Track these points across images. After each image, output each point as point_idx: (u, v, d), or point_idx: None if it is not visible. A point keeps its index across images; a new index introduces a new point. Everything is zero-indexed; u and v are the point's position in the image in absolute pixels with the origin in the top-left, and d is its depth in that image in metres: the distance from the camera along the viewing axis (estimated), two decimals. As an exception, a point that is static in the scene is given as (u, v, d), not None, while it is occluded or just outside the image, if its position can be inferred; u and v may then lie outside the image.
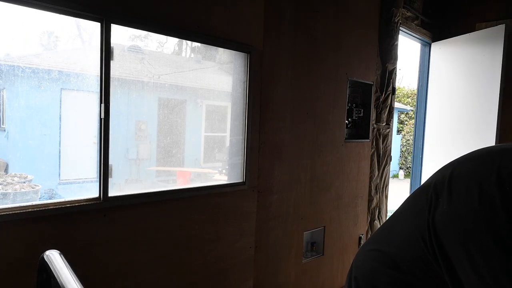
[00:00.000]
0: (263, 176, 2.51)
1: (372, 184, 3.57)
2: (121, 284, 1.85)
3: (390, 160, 3.77)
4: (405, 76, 33.20)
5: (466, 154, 0.73)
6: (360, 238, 3.50)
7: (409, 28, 3.86)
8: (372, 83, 3.40)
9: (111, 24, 1.71)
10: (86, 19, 1.68)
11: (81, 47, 1.91)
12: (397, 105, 13.37)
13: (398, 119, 15.91)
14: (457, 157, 0.75)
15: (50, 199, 1.95)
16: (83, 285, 0.64)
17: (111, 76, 1.73)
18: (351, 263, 0.92)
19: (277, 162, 2.60)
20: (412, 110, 14.84)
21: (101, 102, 1.72)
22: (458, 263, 0.60)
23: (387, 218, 0.88)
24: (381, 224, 3.73)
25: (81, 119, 1.95)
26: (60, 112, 1.94)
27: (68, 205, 1.63)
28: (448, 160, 0.75)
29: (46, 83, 1.78)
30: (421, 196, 0.71)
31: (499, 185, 0.57)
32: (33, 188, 1.94)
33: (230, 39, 2.21)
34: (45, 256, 0.71)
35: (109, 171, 1.76)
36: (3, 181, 1.91)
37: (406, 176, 14.38)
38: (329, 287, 3.19)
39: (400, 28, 3.64)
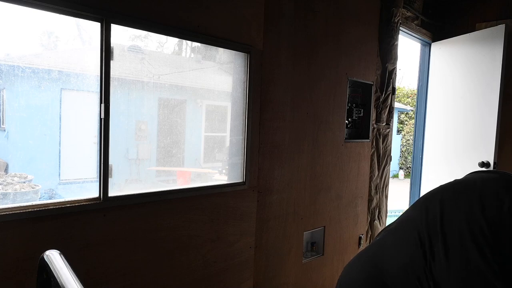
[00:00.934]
0: (263, 176, 2.51)
1: (372, 184, 3.57)
2: (121, 284, 1.85)
3: (390, 160, 3.77)
4: (405, 76, 33.22)
5: (453, 184, 0.81)
6: (360, 238, 3.50)
7: (409, 28, 3.86)
8: (372, 83, 3.40)
9: (111, 24, 1.71)
10: (86, 19, 1.68)
11: (81, 47, 1.91)
12: (397, 105, 13.37)
13: (398, 119, 15.91)
14: (445, 183, 0.83)
15: (50, 199, 1.94)
16: (83, 285, 0.64)
17: (111, 76, 1.73)
18: (344, 267, 0.94)
19: (277, 162, 2.60)
20: (412, 110, 14.84)
21: (101, 102, 1.72)
22: None
23: (382, 231, 0.93)
24: (382, 224, 3.72)
25: (81, 119, 1.95)
26: (60, 112, 1.94)
27: (68, 205, 1.63)
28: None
29: (46, 83, 1.78)
30: (412, 231, 0.79)
31: (489, 236, 0.67)
32: (33, 188, 1.94)
33: (230, 39, 2.21)
34: (45, 256, 0.71)
35: (109, 171, 1.77)
36: (3, 181, 1.91)
37: (406, 176, 14.39)
38: (329, 287, 3.19)
39: (400, 28, 3.64)
